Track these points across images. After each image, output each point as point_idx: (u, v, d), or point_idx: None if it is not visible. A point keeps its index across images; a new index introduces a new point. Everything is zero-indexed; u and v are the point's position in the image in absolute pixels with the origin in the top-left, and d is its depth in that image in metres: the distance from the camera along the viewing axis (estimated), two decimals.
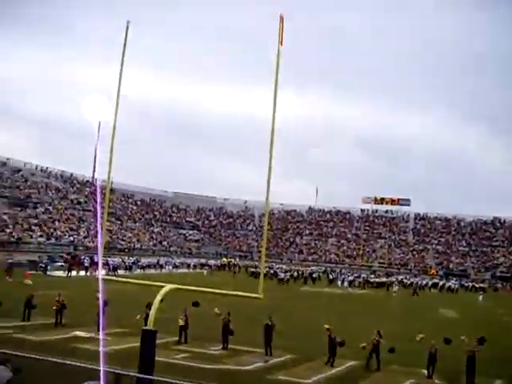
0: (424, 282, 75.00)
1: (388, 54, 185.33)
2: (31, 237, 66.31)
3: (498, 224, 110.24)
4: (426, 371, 19.78)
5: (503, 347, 26.33)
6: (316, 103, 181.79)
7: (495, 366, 21.57)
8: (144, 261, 70.20)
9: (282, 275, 66.94)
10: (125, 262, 64.30)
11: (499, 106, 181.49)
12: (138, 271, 63.60)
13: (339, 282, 67.83)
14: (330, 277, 72.57)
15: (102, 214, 18.50)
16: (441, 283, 75.30)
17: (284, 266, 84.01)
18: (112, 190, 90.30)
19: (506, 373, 20.43)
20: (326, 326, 21.04)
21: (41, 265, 52.00)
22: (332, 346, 20.51)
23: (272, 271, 71.56)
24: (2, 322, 22.90)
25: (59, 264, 55.69)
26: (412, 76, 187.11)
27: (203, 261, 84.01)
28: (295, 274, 72.21)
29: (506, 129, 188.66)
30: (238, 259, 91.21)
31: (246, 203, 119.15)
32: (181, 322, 22.93)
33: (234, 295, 16.65)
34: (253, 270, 71.07)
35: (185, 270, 73.01)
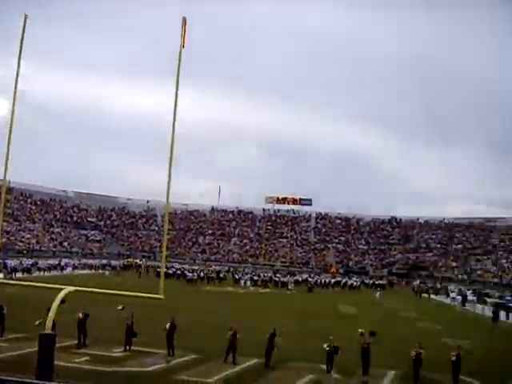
0: (327, 281, 76.60)
1: (288, 54, 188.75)
2: None
3: (395, 223, 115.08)
4: (324, 366, 20.42)
5: (397, 340, 27.52)
6: (219, 105, 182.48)
7: (389, 358, 22.55)
8: (44, 262, 67.97)
9: (189, 275, 67.02)
10: (23, 264, 62.08)
11: (399, 109, 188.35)
12: (38, 273, 61.54)
13: (242, 282, 68.35)
14: (236, 276, 72.88)
15: None
16: (343, 281, 77.11)
17: (187, 266, 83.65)
18: (9, 189, 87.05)
19: (399, 364, 21.42)
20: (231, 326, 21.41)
21: None
22: (232, 345, 20.88)
23: (179, 271, 71.47)
24: None
25: None
26: (315, 76, 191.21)
27: (105, 261, 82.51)
28: (201, 273, 72.13)
29: (404, 131, 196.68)
30: (143, 259, 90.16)
31: (149, 203, 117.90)
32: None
33: (135, 296, 16.58)
34: (159, 269, 70.37)
35: (87, 271, 71.37)
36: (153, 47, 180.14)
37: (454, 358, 19.88)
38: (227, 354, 20.87)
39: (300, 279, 75.80)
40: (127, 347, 21.90)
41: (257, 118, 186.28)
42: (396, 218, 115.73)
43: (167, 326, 21.73)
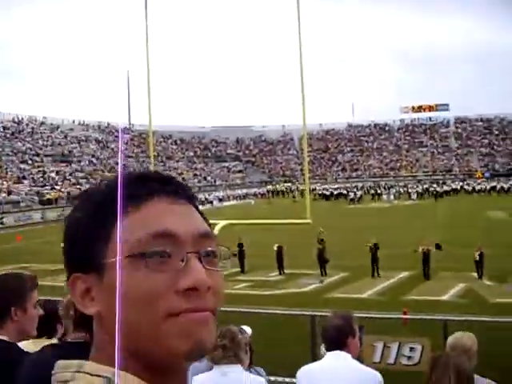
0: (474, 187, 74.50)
1: None
2: (80, 190, 67.78)
3: None
4: (475, 274, 20.60)
5: None
6: (347, 15, 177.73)
7: None
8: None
9: (351, 195, 68.99)
10: None
11: None
12: None
13: (385, 196, 68.29)
14: (378, 191, 72.85)
15: (149, 158, 19.31)
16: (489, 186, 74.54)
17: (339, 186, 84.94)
18: (152, 133, 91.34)
19: None
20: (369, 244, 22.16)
21: None
22: (374, 259, 21.65)
23: (339, 191, 75.24)
24: None
25: None
26: None
27: (249, 191, 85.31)
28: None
29: None
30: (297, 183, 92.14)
31: (284, 128, 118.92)
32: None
33: (283, 224, 17.52)
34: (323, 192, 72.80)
35: (233, 202, 74.35)
36: None
37: None
38: (373, 269, 21.72)
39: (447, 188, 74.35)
40: (281, 271, 23.24)
41: (386, 27, 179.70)
42: None
43: (317, 248, 22.77)
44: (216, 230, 14.65)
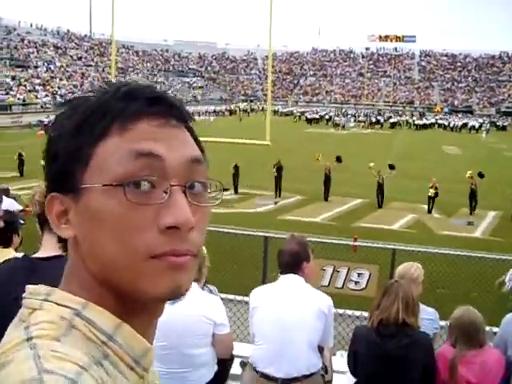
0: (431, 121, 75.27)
1: None
2: (36, 97, 65.93)
3: (506, 58, 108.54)
4: (426, 206, 21.13)
5: (502, 181, 27.47)
6: None
7: (492, 199, 22.75)
8: None
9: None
10: None
11: None
12: None
13: (343, 123, 68.34)
14: (337, 119, 72.88)
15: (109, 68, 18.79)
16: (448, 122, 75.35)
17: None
18: (111, 43, 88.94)
19: (501, 204, 21.64)
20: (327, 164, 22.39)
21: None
22: (326, 182, 21.92)
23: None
24: None
25: None
26: None
27: (214, 107, 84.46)
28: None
29: None
30: (243, 104, 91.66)
31: (248, 47, 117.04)
32: None
33: (242, 143, 17.45)
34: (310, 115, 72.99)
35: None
36: None
37: None
38: (325, 192, 22.06)
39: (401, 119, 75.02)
40: (236, 190, 23.22)
41: None
42: (507, 53, 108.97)
43: (274, 168, 22.84)
44: None
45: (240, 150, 25.16)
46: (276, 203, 21.52)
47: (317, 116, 73.57)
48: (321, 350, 3.55)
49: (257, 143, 14.38)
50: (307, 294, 3.47)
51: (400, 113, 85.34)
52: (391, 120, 73.73)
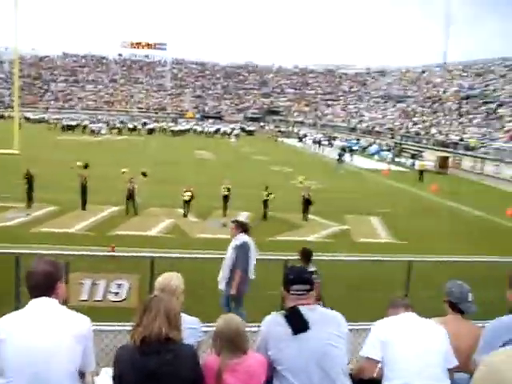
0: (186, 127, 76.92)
1: None
2: None
3: (251, 68, 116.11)
4: (182, 210, 21.47)
5: (251, 184, 29.01)
6: None
7: (244, 200, 23.84)
8: None
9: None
10: None
11: None
12: None
13: (96, 130, 66.97)
14: (91, 127, 71.00)
15: None
16: (200, 128, 77.74)
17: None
18: None
19: (252, 205, 22.82)
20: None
21: None
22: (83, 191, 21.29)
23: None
24: None
25: None
26: None
27: None
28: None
29: None
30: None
31: None
32: None
33: None
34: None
35: None
36: None
37: (304, 198, 21.98)
38: (82, 201, 21.31)
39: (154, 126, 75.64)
40: None
41: None
42: (252, 63, 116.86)
43: (24, 178, 21.38)
44: None
45: None
46: (28, 215, 20.16)
47: (73, 123, 70.91)
48: (82, 375, 3.27)
49: (4, 152, 13.17)
50: (63, 318, 3.16)
51: (154, 119, 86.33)
52: (148, 126, 73.97)
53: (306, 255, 8.85)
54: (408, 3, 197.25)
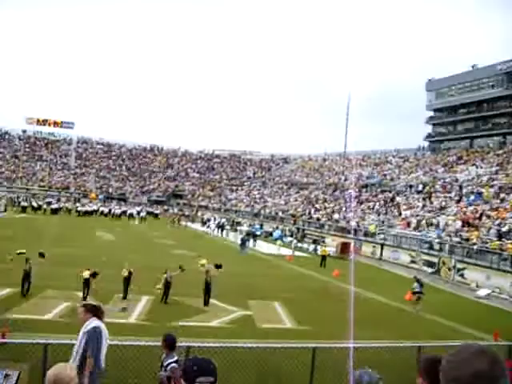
0: (91, 208, 75.33)
1: None
2: None
3: (157, 151, 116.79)
4: (81, 293, 20.63)
5: (152, 267, 28.48)
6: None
7: (144, 285, 23.28)
8: None
9: None
10: None
11: None
12: None
13: None
14: None
15: None
16: (105, 209, 76.48)
17: None
18: None
19: (150, 290, 22.28)
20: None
21: None
22: None
23: None
24: None
25: None
26: None
27: None
28: None
29: None
30: None
31: None
32: None
33: None
34: None
35: None
36: None
37: (205, 282, 21.72)
38: None
39: (58, 206, 73.53)
40: None
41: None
42: (158, 146, 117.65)
43: None
44: None
45: None
46: None
47: None
48: None
49: None
50: None
51: (57, 198, 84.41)
52: (53, 206, 71.81)
53: (171, 343, 8.48)
54: (310, 99, 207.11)
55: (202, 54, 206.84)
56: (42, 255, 22.26)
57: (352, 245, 48.57)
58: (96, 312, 8.12)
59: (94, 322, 8.00)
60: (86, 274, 20.48)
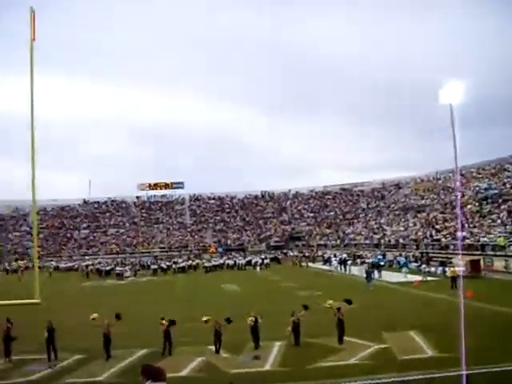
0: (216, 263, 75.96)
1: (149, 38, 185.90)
2: None
3: (268, 197, 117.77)
4: (213, 347, 20.61)
5: (280, 311, 28.16)
6: (83, 93, 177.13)
7: (275, 330, 22.98)
8: None
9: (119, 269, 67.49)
10: None
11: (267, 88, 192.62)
12: None
13: (122, 273, 66.81)
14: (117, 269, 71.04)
15: None
16: (227, 262, 76.96)
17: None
18: None
19: (282, 333, 21.91)
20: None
21: None
22: (106, 341, 20.43)
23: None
24: None
25: None
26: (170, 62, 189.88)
27: None
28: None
29: (271, 108, 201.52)
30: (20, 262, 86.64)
31: (17, 203, 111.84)
32: None
33: (9, 304, 15.83)
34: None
35: None
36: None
37: (337, 320, 21.07)
38: (106, 351, 20.38)
39: (185, 264, 74.98)
40: (7, 358, 20.75)
41: (120, 103, 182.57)
42: (268, 192, 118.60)
43: (45, 332, 20.66)
44: None
45: (9, 312, 22.88)
46: (51, 367, 19.45)
47: (108, 268, 71.90)
48: None
49: (25, 302, 12.80)
50: None
51: (188, 257, 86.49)
52: (180, 265, 73.36)
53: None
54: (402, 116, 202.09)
55: None
56: (118, 317, 22.21)
57: (481, 261, 46.19)
58: (149, 375, 7.35)
59: None
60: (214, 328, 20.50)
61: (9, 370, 19.42)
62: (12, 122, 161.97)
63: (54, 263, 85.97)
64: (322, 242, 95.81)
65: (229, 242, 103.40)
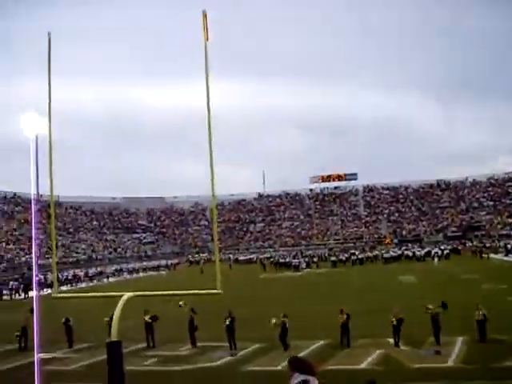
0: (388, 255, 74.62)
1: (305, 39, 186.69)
2: None
3: (444, 185, 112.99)
4: (392, 340, 20.21)
5: (462, 305, 26.94)
6: (254, 92, 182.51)
7: (456, 324, 22.05)
8: (103, 270, 70.19)
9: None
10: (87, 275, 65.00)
11: (431, 71, 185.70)
12: (103, 281, 63.35)
13: (297, 265, 67.86)
14: (293, 261, 72.54)
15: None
16: (399, 252, 75.70)
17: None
18: (58, 204, 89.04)
19: (466, 329, 20.92)
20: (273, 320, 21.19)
21: None
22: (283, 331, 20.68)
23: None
24: None
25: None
26: (336, 52, 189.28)
27: (160, 262, 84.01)
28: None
29: (441, 91, 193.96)
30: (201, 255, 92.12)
31: (196, 198, 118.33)
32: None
33: (193, 294, 16.65)
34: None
35: (144, 274, 72.52)
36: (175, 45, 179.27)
37: None
38: (283, 342, 20.67)
39: (363, 256, 74.56)
40: (193, 345, 22.04)
41: (289, 99, 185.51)
42: (444, 181, 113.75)
43: (226, 321, 21.55)
44: (120, 305, 13.43)
45: (193, 302, 24.19)
46: (233, 355, 20.26)
47: (283, 260, 74.63)
48: None
49: (207, 293, 13.45)
50: None
51: (362, 248, 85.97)
52: (358, 256, 73.22)
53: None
54: None
55: None
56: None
57: None
58: (296, 366, 7.04)
59: (298, 378, 6.96)
60: (394, 320, 20.02)
61: (194, 355, 20.54)
62: (191, 120, 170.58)
63: (232, 256, 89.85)
64: (503, 232, 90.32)
65: (404, 232, 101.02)
